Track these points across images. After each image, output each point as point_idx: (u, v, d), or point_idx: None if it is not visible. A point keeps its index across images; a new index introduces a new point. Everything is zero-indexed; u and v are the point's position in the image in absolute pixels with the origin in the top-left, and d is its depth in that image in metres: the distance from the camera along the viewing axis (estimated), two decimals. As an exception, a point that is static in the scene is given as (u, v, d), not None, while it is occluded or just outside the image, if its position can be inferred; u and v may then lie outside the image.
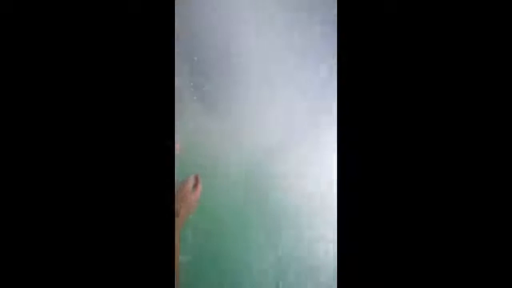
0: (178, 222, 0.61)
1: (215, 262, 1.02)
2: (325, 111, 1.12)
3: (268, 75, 1.14)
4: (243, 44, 1.13)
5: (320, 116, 1.13)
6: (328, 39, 1.13)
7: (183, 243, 0.61)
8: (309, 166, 1.11)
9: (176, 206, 0.64)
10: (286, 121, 1.14)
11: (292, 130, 1.13)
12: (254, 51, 1.13)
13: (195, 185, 0.71)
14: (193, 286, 0.98)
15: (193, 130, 1.10)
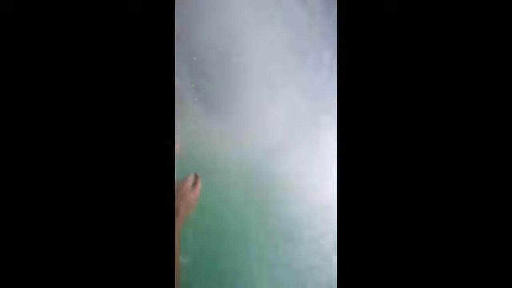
0: (178, 221, 0.61)
1: (215, 262, 1.02)
2: (325, 111, 1.12)
3: (268, 75, 1.14)
4: (243, 44, 1.13)
5: (320, 116, 1.13)
6: (328, 39, 1.13)
7: (183, 243, 0.61)
8: (309, 166, 1.11)
9: (176, 204, 0.64)
10: (286, 121, 1.14)
11: (292, 130, 1.13)
12: (254, 51, 1.13)
13: (195, 183, 0.71)
14: (193, 286, 0.98)
15: (193, 130, 1.10)
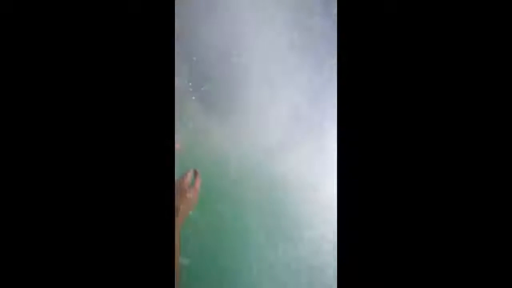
0: (178, 220, 0.61)
1: (215, 262, 1.02)
2: (325, 111, 1.12)
3: (268, 75, 1.14)
4: (243, 44, 1.13)
5: (320, 116, 1.13)
6: (328, 39, 1.13)
7: (184, 243, 0.61)
8: (309, 166, 1.12)
9: (176, 203, 0.63)
10: (286, 121, 1.14)
11: (292, 130, 1.13)
12: (254, 51, 1.13)
13: (194, 180, 0.70)
14: (193, 286, 0.98)
15: (193, 130, 1.10)
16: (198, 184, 0.70)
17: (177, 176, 0.69)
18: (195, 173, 0.72)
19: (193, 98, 1.12)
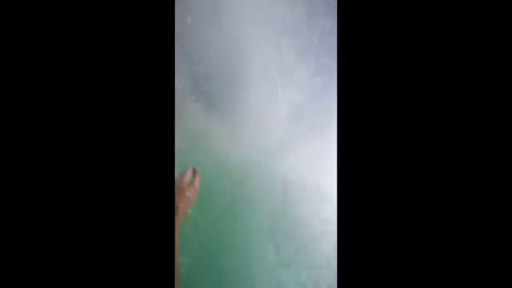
0: (177, 218, 0.61)
1: (214, 262, 1.02)
2: (325, 111, 1.12)
3: (268, 75, 1.14)
4: (243, 44, 1.13)
5: (320, 116, 1.13)
6: (328, 39, 1.13)
7: (183, 243, 0.61)
8: (309, 166, 1.12)
9: (175, 201, 0.63)
10: (286, 121, 1.14)
11: (292, 130, 1.13)
12: (254, 51, 1.13)
13: (193, 179, 0.70)
14: (193, 286, 0.98)
15: (193, 130, 1.10)
16: (197, 182, 0.69)
17: (176, 176, 0.69)
18: (194, 171, 0.72)
19: (193, 98, 1.12)
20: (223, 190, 1.07)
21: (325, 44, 1.14)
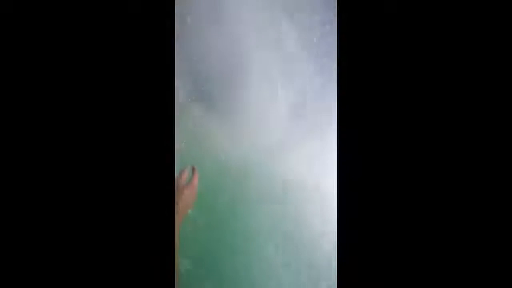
0: (177, 217, 0.61)
1: (214, 262, 1.02)
2: (325, 111, 1.12)
3: (268, 75, 1.14)
4: (243, 44, 1.13)
5: (320, 116, 1.13)
6: (328, 39, 1.13)
7: (183, 243, 0.61)
8: (309, 166, 1.12)
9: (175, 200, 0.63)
10: (286, 121, 1.14)
11: (292, 130, 1.13)
12: (254, 51, 1.13)
13: (192, 177, 0.69)
14: (193, 286, 0.98)
15: (193, 130, 1.10)
16: (195, 180, 0.69)
17: (176, 176, 0.69)
18: (193, 169, 0.71)
19: (193, 98, 1.12)
20: (223, 190, 1.07)
21: (325, 44, 1.14)
